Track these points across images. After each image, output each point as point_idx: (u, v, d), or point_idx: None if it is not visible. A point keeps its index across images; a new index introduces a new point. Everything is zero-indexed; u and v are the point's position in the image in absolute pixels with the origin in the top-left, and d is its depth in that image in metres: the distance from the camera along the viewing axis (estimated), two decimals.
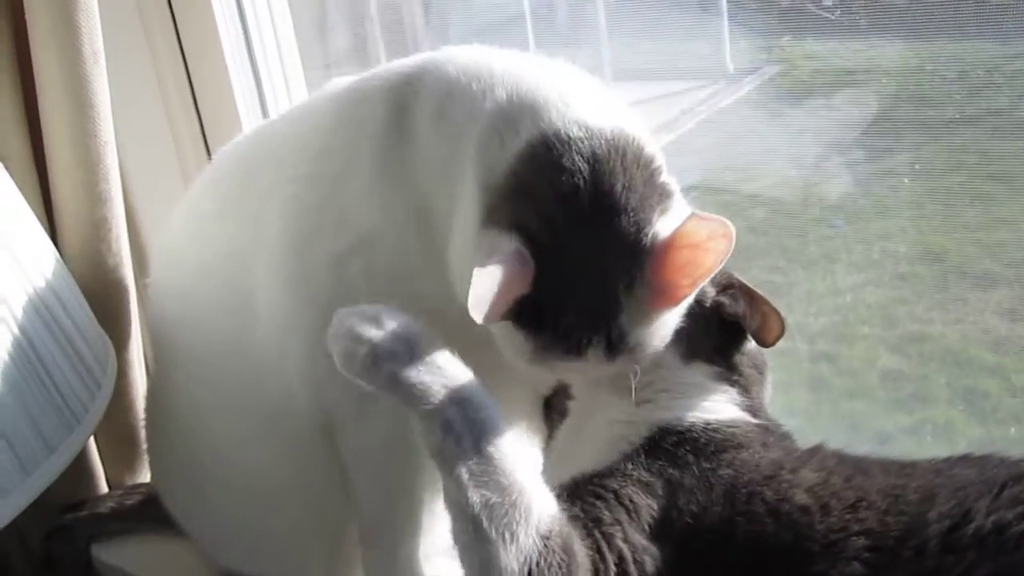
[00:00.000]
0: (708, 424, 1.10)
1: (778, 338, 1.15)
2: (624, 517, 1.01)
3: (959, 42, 1.43)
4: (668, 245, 0.97)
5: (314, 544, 1.32)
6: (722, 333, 1.17)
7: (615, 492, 1.03)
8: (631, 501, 1.02)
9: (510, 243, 0.97)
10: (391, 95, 1.13)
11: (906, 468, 1.04)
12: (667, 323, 1.03)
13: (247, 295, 1.22)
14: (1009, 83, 1.41)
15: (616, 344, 1.00)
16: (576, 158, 0.98)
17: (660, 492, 1.03)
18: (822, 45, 1.61)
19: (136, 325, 1.66)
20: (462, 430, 0.95)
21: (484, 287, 0.92)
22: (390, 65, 1.19)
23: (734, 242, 0.95)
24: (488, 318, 0.93)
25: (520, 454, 0.98)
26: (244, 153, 1.34)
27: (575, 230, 0.98)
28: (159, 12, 1.81)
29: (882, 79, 1.54)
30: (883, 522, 0.96)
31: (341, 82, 1.25)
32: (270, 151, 1.27)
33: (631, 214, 0.97)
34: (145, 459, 1.65)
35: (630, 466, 1.06)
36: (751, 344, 1.19)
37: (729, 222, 0.95)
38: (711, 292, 1.17)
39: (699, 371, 1.16)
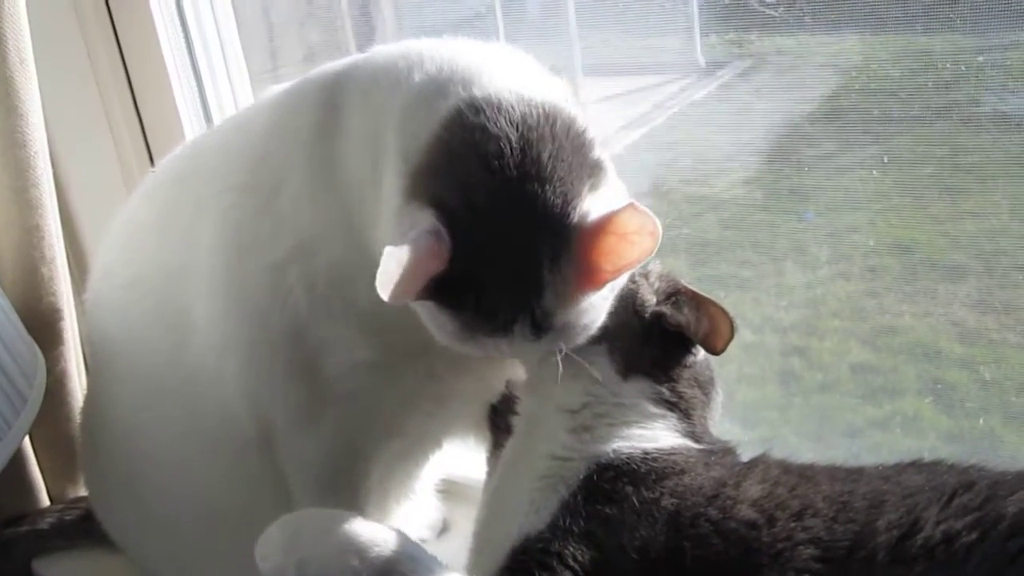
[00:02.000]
0: (647, 454, 1.07)
1: (727, 343, 1.12)
2: None
3: (928, 35, 1.43)
4: (596, 226, 0.94)
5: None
6: (663, 345, 1.14)
7: (559, 556, 1.00)
8: (575, 560, 0.99)
9: (426, 219, 0.94)
10: (322, 96, 1.11)
11: (853, 474, 1.03)
12: (595, 306, 1.01)
13: (183, 310, 1.21)
14: (977, 75, 1.41)
15: (541, 323, 0.97)
16: (504, 123, 0.95)
17: (602, 537, 1.01)
18: (791, 39, 1.61)
19: (75, 335, 1.63)
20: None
21: (391, 266, 0.89)
22: (322, 67, 1.17)
23: (659, 242, 0.93)
24: (395, 298, 0.90)
25: (432, 563, 0.97)
26: (180, 164, 1.32)
27: (499, 201, 0.94)
28: (97, 18, 1.79)
29: (852, 72, 1.54)
30: (831, 530, 0.94)
31: (277, 89, 1.23)
32: (205, 161, 1.25)
33: (558, 184, 0.94)
34: None
35: (569, 520, 1.02)
36: (699, 356, 1.16)
37: (659, 222, 0.93)
38: (651, 301, 1.14)
39: (638, 389, 1.13)
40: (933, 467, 1.02)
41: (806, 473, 1.04)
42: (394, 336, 1.09)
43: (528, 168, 0.94)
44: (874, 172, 1.55)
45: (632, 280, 1.14)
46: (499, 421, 1.28)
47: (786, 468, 1.05)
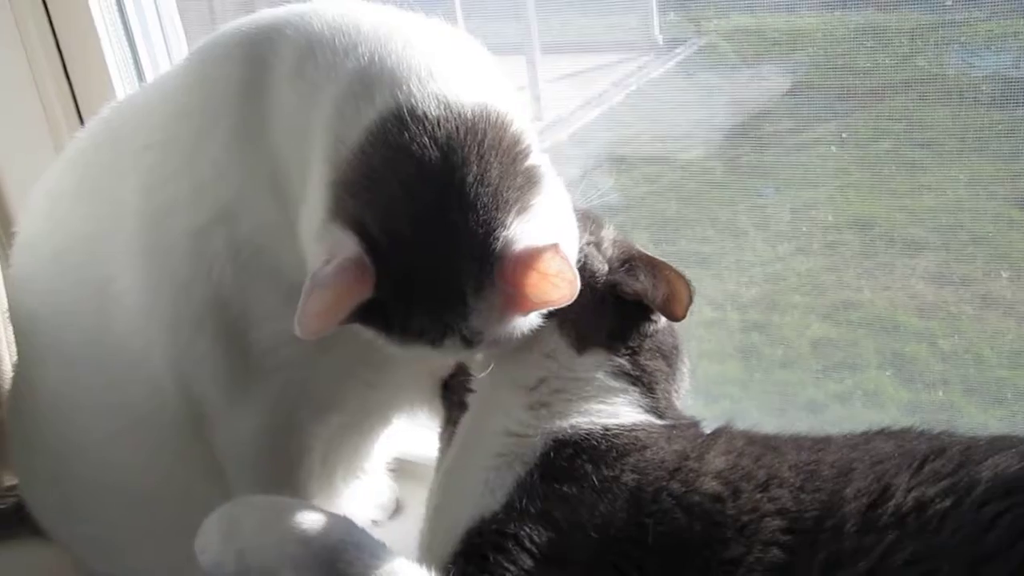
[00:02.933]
0: (607, 430, 1.04)
1: (687, 307, 1.08)
2: (529, 563, 0.95)
3: (884, 12, 1.44)
4: (519, 259, 0.91)
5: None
6: (620, 315, 1.10)
7: (515, 537, 0.97)
8: (532, 542, 0.96)
9: (349, 245, 0.90)
10: (249, 50, 1.05)
11: (820, 444, 1.00)
12: (528, 320, 0.98)
13: (106, 281, 1.15)
14: (933, 51, 1.42)
15: (472, 340, 0.95)
16: (427, 143, 0.91)
17: (560, 517, 0.98)
18: (749, 17, 1.61)
19: (2, 311, 1.55)
20: (311, 563, 0.92)
21: (313, 305, 0.88)
22: (251, 17, 1.10)
23: (576, 291, 0.92)
24: (316, 333, 0.89)
25: (376, 548, 0.94)
26: (102, 127, 1.25)
27: (421, 229, 0.91)
28: None
29: (808, 49, 1.54)
30: (798, 500, 0.92)
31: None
32: (127, 119, 1.19)
33: (482, 212, 0.91)
34: None
35: (525, 500, 1.00)
36: (660, 325, 1.12)
37: (577, 277, 0.91)
38: (602, 270, 1.10)
39: (595, 363, 1.09)
40: (902, 434, 0.99)
41: (771, 443, 1.02)
42: None
43: (451, 196, 0.91)
44: (833, 148, 1.56)
45: (581, 249, 1.09)
46: (452, 396, 1.24)
47: (750, 439, 1.03)
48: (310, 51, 1.01)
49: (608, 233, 1.15)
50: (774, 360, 1.67)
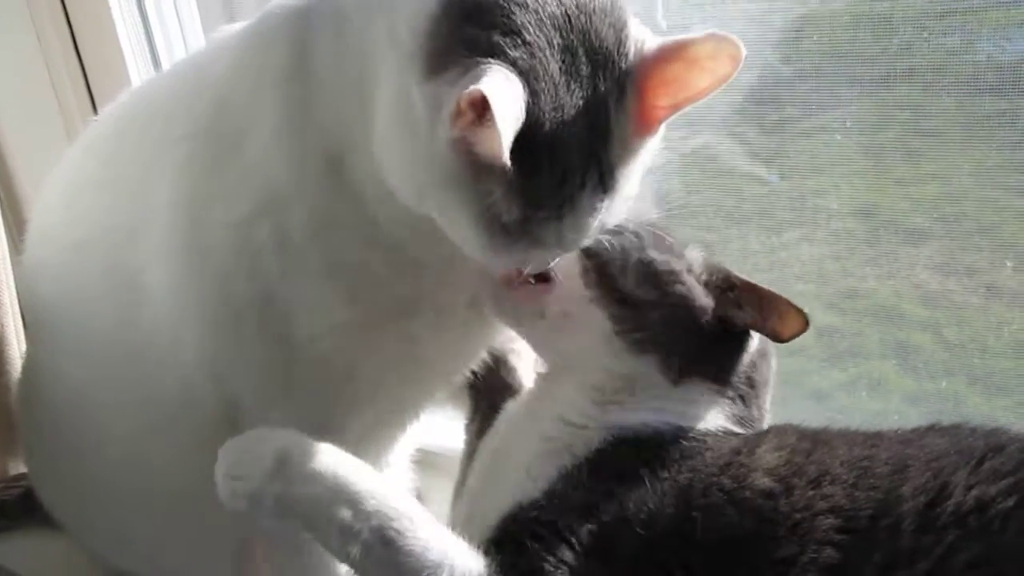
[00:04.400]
0: (682, 430, 1.02)
1: (797, 333, 1.03)
2: (568, 555, 0.93)
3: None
4: (661, 54, 0.88)
5: (220, 546, 1.23)
6: (722, 344, 1.07)
7: (554, 527, 0.94)
8: (572, 533, 0.94)
9: (482, 67, 0.82)
10: (288, 34, 1.03)
11: (872, 439, 0.98)
12: (641, 164, 0.95)
13: (133, 273, 1.12)
14: (938, 39, 1.42)
15: (606, 180, 0.90)
16: None
17: (604, 511, 0.95)
18: (753, 3, 1.60)
19: (12, 300, 1.55)
20: (360, 528, 0.90)
21: (502, 93, 0.79)
22: (276, 4, 1.08)
23: (740, 66, 0.87)
24: (504, 139, 0.80)
25: (428, 522, 0.92)
26: (126, 113, 1.23)
27: (550, 38, 0.86)
28: None
29: (814, 36, 1.53)
30: (852, 497, 0.90)
31: (231, 29, 1.15)
32: (155, 110, 1.16)
33: (608, 12, 0.87)
34: None
35: (569, 490, 0.97)
36: (754, 342, 1.09)
37: (742, 49, 0.86)
38: (708, 304, 1.06)
39: (692, 389, 1.06)
40: (955, 430, 0.97)
41: (821, 438, 1.00)
42: (375, 291, 1.04)
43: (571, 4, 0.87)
44: (837, 136, 1.55)
45: (679, 281, 1.07)
46: (482, 390, 1.24)
47: (801, 434, 1.01)
48: (341, 15, 0.99)
49: (695, 255, 1.13)
50: (779, 348, 1.66)
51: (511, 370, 1.29)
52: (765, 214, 1.62)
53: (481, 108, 0.81)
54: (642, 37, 0.90)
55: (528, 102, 0.83)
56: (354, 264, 1.01)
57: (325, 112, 1.00)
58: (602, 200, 0.92)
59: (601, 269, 1.08)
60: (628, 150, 0.92)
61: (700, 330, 1.06)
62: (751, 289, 1.05)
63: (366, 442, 1.21)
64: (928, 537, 0.84)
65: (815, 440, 1.00)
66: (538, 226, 0.91)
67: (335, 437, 1.12)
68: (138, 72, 1.77)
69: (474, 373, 1.24)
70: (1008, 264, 1.47)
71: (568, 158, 0.88)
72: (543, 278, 1.09)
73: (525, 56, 0.85)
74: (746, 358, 1.09)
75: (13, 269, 1.53)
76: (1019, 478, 0.85)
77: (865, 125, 1.54)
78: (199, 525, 1.20)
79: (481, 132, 0.83)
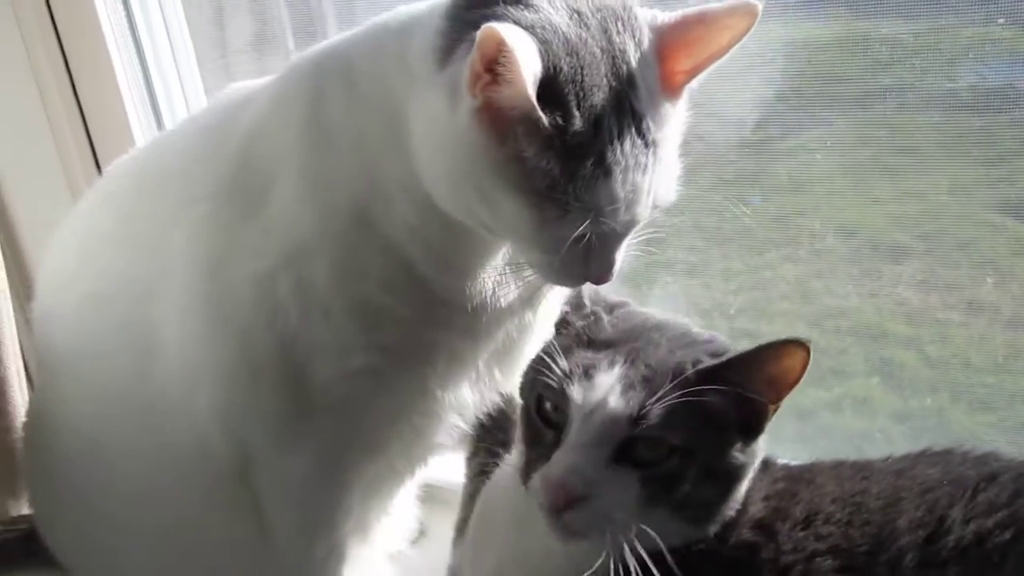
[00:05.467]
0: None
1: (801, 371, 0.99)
2: None
3: (864, 20, 1.45)
4: (677, 21, 0.91)
5: None
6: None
7: None
8: None
9: (485, 27, 0.83)
10: (306, 90, 1.06)
11: (862, 471, 0.98)
12: (675, 126, 0.95)
13: (149, 326, 1.14)
14: (913, 58, 1.43)
15: (643, 130, 0.90)
16: None
17: None
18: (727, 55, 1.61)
19: (13, 343, 1.56)
20: None
21: (513, 31, 0.82)
22: (293, 63, 1.12)
23: (757, 20, 0.88)
24: (531, 74, 0.82)
25: None
26: (141, 169, 1.26)
27: (554, 4, 0.89)
28: (35, 9, 1.70)
29: (792, 56, 1.55)
30: (848, 536, 0.90)
31: (243, 87, 1.18)
32: (173, 166, 1.18)
33: None
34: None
35: None
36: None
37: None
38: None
39: None
40: (946, 457, 0.98)
41: (807, 476, 1.00)
42: (396, 336, 1.05)
43: None
44: (817, 156, 1.56)
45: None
46: (486, 427, 1.25)
47: (788, 475, 1.01)
48: (353, 67, 1.03)
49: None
50: None
51: (515, 407, 1.29)
52: (747, 234, 1.63)
53: (495, 58, 0.83)
54: (651, 12, 0.93)
55: (541, 50, 0.85)
56: (377, 309, 1.02)
57: (349, 162, 1.02)
58: (645, 155, 0.91)
59: None
60: (657, 104, 0.92)
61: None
62: (738, 363, 0.99)
63: (376, 488, 1.22)
64: (931, 572, 0.85)
65: (800, 480, 1.00)
66: (587, 188, 0.89)
67: (345, 483, 1.15)
68: (140, 126, 1.78)
69: (478, 429, 1.26)
70: (988, 280, 1.48)
71: (595, 100, 0.88)
72: None
73: (529, 13, 0.88)
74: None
75: (17, 317, 1.55)
76: (1014, 510, 0.86)
77: (844, 145, 1.55)
78: (206, 567, 1.22)
79: (501, 86, 0.85)
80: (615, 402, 0.96)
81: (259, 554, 1.17)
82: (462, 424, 1.19)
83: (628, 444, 0.96)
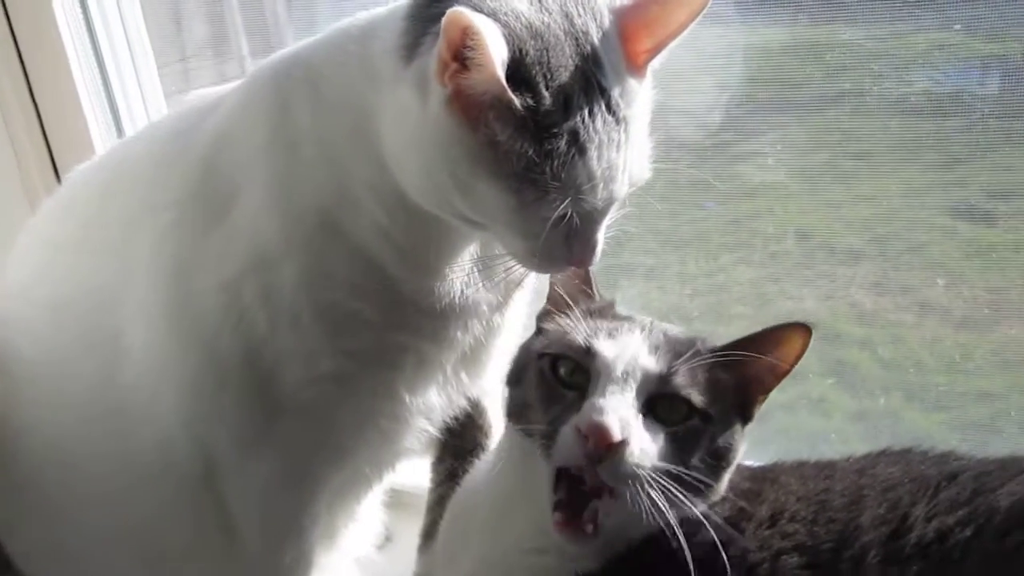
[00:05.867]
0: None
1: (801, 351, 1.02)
2: None
3: (816, 26, 1.46)
4: (633, 4, 0.92)
5: None
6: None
7: None
8: None
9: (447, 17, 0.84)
10: (271, 97, 1.06)
11: (824, 470, 1.00)
12: (642, 104, 0.96)
13: (112, 332, 1.14)
14: (864, 64, 1.45)
15: (613, 106, 0.91)
16: None
17: None
18: (688, 30, 1.62)
19: None
20: None
21: (477, 16, 0.82)
22: (256, 70, 1.12)
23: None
24: (497, 56, 0.83)
25: None
26: (103, 176, 1.25)
27: None
28: None
29: (744, 63, 1.56)
30: (812, 534, 0.91)
31: (206, 94, 1.17)
32: (136, 173, 1.18)
33: None
34: None
35: None
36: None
37: None
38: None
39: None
40: (906, 456, 0.99)
41: (771, 476, 1.02)
42: (363, 340, 1.05)
43: None
44: (770, 160, 1.58)
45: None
46: (453, 431, 1.25)
47: (752, 475, 1.03)
48: (317, 72, 1.03)
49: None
50: None
51: (482, 411, 1.31)
52: (703, 238, 1.64)
53: (462, 44, 0.84)
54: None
55: (505, 34, 0.86)
56: (345, 314, 1.02)
57: (317, 168, 1.02)
58: (617, 131, 0.91)
59: None
60: (623, 81, 0.92)
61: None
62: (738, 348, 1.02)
63: (343, 494, 1.22)
64: (893, 569, 0.86)
65: (764, 480, 1.01)
66: (563, 167, 0.89)
67: (313, 489, 1.14)
68: (100, 134, 1.76)
69: (446, 433, 1.25)
70: (939, 282, 1.50)
71: (562, 80, 0.89)
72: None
73: (490, 1, 0.88)
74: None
75: None
76: (974, 508, 0.87)
77: (797, 150, 1.56)
78: (177, 573, 1.21)
79: (470, 72, 0.85)
80: (644, 359, 0.99)
81: (225, 559, 1.16)
82: (430, 428, 1.19)
83: (654, 401, 0.98)
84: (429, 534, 1.28)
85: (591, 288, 1.14)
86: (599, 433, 0.93)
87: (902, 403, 1.55)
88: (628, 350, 1.00)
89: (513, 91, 0.86)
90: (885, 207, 1.52)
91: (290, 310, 1.03)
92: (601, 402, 0.96)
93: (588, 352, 1.01)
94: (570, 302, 1.09)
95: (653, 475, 0.93)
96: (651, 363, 0.99)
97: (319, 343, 1.05)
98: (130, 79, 1.78)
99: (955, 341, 1.52)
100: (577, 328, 1.03)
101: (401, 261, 1.03)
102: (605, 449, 0.93)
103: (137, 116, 1.79)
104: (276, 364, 1.06)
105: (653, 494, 0.93)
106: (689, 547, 0.92)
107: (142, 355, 1.12)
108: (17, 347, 1.27)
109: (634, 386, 0.98)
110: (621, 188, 0.95)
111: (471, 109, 0.87)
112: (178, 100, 1.22)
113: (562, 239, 0.94)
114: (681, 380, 0.98)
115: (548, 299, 1.16)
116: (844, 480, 0.97)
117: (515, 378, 1.10)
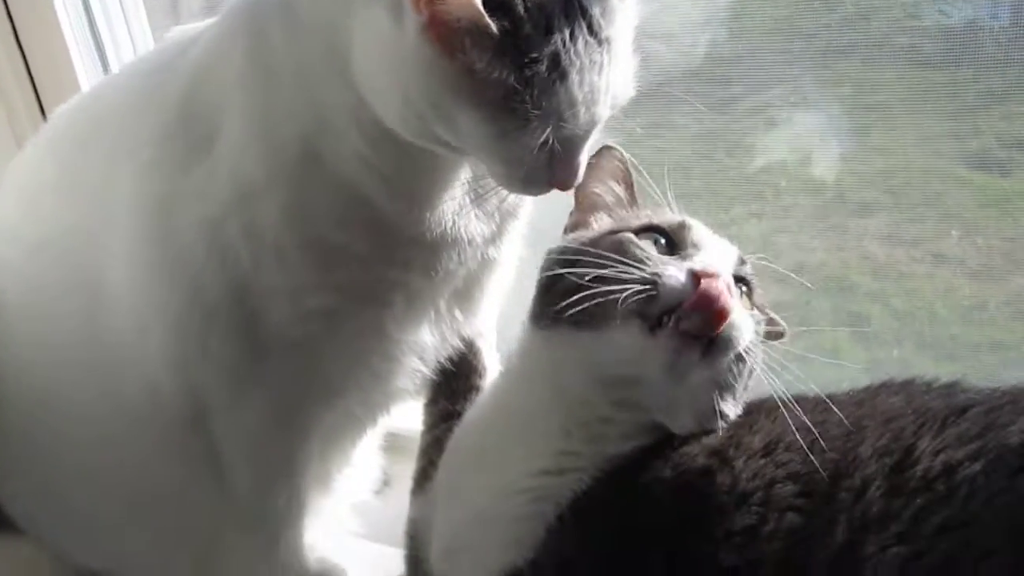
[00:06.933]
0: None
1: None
2: None
3: None
4: None
5: (185, 544, 1.22)
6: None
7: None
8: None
9: None
10: (246, 29, 1.04)
11: (821, 404, 0.98)
12: (625, 16, 0.92)
13: (96, 273, 1.12)
14: (880, 13, 1.43)
15: (595, 27, 0.87)
16: None
17: (588, 565, 0.95)
18: None
19: None
20: None
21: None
22: (233, 1, 1.09)
23: None
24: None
25: None
26: (85, 115, 1.23)
27: None
28: None
29: (754, 14, 1.54)
30: (807, 461, 0.89)
31: (186, 30, 1.15)
32: (117, 111, 1.16)
33: None
34: None
35: (553, 546, 0.96)
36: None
37: None
38: None
39: None
40: (908, 387, 0.98)
41: (766, 406, 1.00)
42: (351, 274, 1.03)
43: None
44: (783, 113, 1.56)
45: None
46: (446, 372, 1.23)
47: (748, 407, 1.02)
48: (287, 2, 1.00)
49: None
50: None
51: (476, 352, 1.29)
52: (714, 191, 1.63)
53: None
54: None
55: None
56: (331, 247, 1.00)
57: (294, 96, 1.00)
58: (599, 53, 0.89)
59: None
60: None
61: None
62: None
63: (336, 437, 1.21)
64: (898, 501, 0.84)
65: (760, 411, 1.00)
66: (544, 94, 0.87)
67: (304, 430, 1.13)
68: (85, 72, 1.75)
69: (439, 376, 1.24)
70: (953, 233, 1.50)
71: (542, 1, 0.86)
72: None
73: None
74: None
75: None
76: (984, 443, 0.85)
77: (809, 101, 1.55)
78: (163, 524, 1.21)
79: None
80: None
81: (217, 503, 1.16)
82: (423, 368, 1.17)
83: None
84: (423, 478, 1.26)
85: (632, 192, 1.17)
86: (714, 285, 0.94)
87: (915, 354, 1.55)
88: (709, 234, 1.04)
89: (490, 15, 0.83)
90: (899, 158, 1.50)
91: (274, 245, 1.02)
92: (708, 257, 0.99)
93: (683, 226, 1.02)
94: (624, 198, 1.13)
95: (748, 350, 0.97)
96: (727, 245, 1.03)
97: (305, 278, 1.03)
98: (117, 15, 1.77)
99: (969, 291, 1.51)
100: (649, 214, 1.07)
101: (387, 191, 1.01)
102: (718, 300, 0.93)
103: (124, 54, 1.78)
104: (262, 301, 1.04)
105: (745, 370, 0.96)
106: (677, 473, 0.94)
107: (126, 296, 1.11)
108: (1, 289, 1.26)
109: (728, 260, 1.03)
110: (604, 110, 0.93)
111: (447, 37, 0.85)
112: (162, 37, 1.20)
113: (544, 163, 0.92)
114: (749, 268, 1.04)
115: (582, 207, 1.17)
116: (843, 411, 0.95)
117: (558, 270, 1.05)
